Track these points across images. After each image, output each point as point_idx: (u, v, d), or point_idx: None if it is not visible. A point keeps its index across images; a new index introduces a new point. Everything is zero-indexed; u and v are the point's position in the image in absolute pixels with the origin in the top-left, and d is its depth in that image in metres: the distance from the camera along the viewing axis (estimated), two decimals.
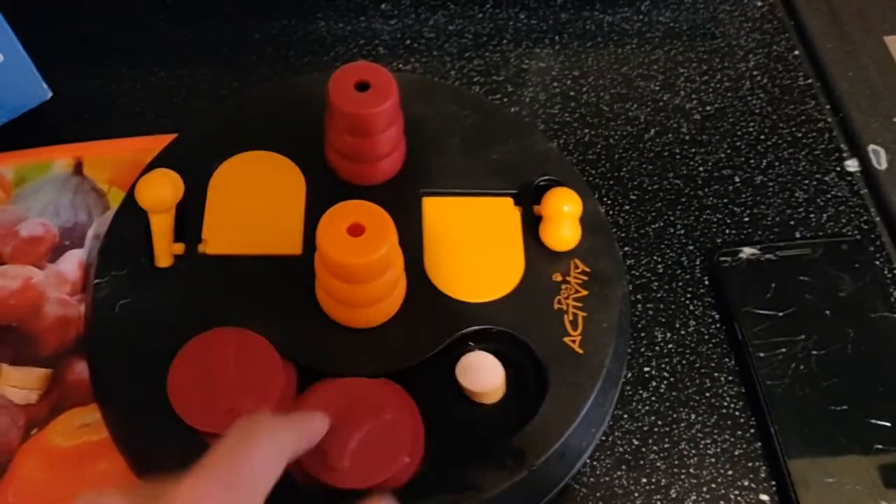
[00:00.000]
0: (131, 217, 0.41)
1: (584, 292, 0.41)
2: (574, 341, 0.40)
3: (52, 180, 0.46)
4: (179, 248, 0.41)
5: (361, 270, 0.36)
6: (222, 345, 0.38)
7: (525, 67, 0.52)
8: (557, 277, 0.41)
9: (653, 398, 0.42)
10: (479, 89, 0.51)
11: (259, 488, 0.29)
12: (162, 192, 0.40)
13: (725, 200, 0.48)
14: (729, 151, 0.50)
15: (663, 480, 0.40)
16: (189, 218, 0.42)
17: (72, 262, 0.44)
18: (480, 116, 0.46)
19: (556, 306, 0.41)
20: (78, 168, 0.46)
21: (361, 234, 0.36)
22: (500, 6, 0.55)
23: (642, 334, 0.44)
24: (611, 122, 0.51)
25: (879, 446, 0.41)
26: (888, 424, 0.41)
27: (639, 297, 0.45)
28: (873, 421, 0.41)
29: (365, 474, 0.35)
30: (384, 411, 0.36)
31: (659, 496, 0.40)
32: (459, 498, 0.36)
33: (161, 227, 0.41)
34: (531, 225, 0.43)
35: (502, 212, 0.43)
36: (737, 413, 0.42)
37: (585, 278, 0.41)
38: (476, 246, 0.42)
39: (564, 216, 0.41)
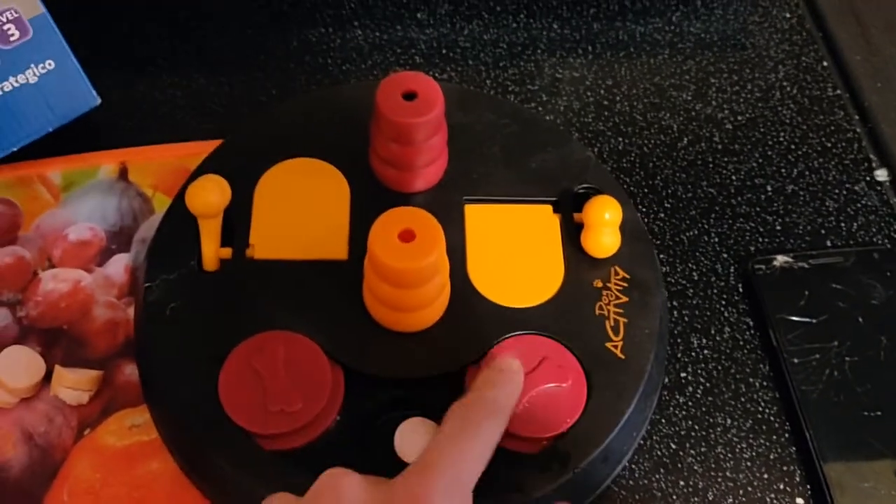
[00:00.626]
0: (179, 221, 0.42)
1: (625, 299, 0.42)
2: (616, 347, 0.40)
3: (98, 185, 0.47)
4: (227, 252, 0.42)
5: (412, 275, 0.37)
6: (272, 348, 0.39)
7: (559, 77, 0.53)
8: (598, 284, 0.42)
9: (689, 403, 0.43)
10: (514, 98, 0.52)
11: (477, 475, 0.31)
12: (211, 197, 0.41)
13: (758, 209, 0.49)
14: (760, 161, 0.51)
15: (700, 483, 0.41)
16: (236, 223, 0.43)
17: (119, 266, 0.44)
18: (519, 125, 0.47)
19: (597, 312, 0.41)
20: (123, 173, 0.47)
21: (413, 240, 0.37)
22: (533, 16, 0.55)
23: (678, 340, 0.45)
24: (644, 130, 0.51)
25: None
26: None
27: (675, 303, 0.46)
28: None
29: (531, 425, 0.38)
30: (567, 378, 0.39)
31: (696, 499, 0.41)
32: (504, 499, 0.37)
33: (210, 231, 0.41)
34: (570, 232, 0.43)
35: (542, 219, 0.44)
36: (771, 418, 0.43)
37: (626, 285, 0.42)
38: (517, 252, 0.43)
39: (605, 223, 0.42)
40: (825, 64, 0.55)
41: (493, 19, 0.55)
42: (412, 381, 0.39)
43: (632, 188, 0.49)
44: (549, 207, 0.44)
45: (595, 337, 0.41)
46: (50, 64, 0.44)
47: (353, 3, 0.55)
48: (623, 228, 0.43)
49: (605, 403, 0.39)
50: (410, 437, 0.39)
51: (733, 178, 0.50)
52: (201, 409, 0.38)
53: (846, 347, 0.44)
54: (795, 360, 0.44)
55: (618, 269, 0.43)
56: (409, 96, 0.41)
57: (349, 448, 0.38)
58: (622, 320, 0.41)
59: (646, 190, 0.49)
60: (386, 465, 0.38)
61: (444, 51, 0.54)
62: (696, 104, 0.53)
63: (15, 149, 0.45)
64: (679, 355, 0.44)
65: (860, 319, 0.45)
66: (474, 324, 0.41)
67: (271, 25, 0.54)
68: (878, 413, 0.42)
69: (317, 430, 0.38)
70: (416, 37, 0.54)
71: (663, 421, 0.42)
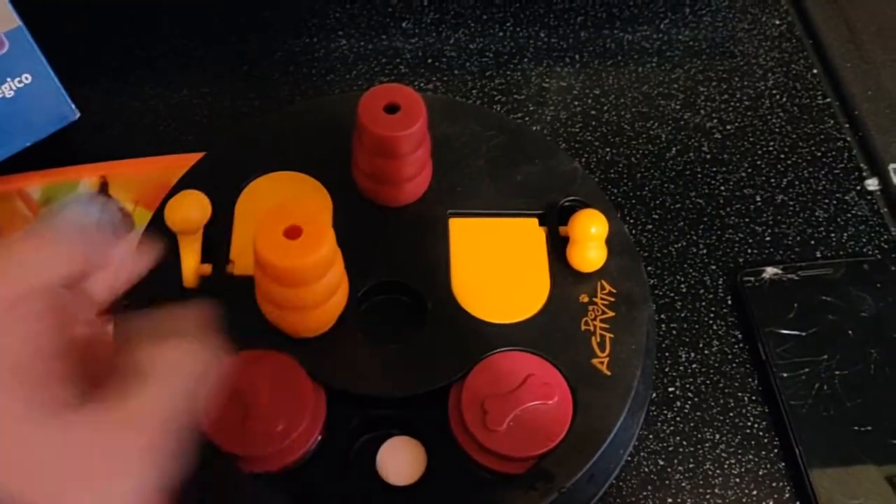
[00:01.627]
0: (158, 237, 0.42)
1: (612, 314, 0.41)
2: (602, 363, 0.40)
3: (78, 200, 0.46)
4: (207, 268, 0.41)
5: (298, 274, 0.36)
6: (252, 367, 0.38)
7: (546, 86, 0.53)
8: (584, 298, 0.42)
9: (677, 418, 0.43)
10: (501, 108, 0.51)
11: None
12: (191, 213, 0.40)
13: (747, 220, 0.49)
14: (750, 170, 0.50)
15: (689, 501, 0.40)
16: (216, 239, 0.42)
17: (98, 283, 0.44)
18: (505, 136, 0.46)
19: (583, 327, 0.41)
20: (104, 187, 0.46)
21: (299, 237, 0.35)
22: (520, 25, 0.55)
23: (666, 354, 0.44)
24: (632, 140, 0.51)
25: None
26: None
27: (662, 316, 0.45)
28: None
29: (516, 444, 0.37)
30: (553, 395, 0.38)
31: None
32: None
33: (189, 247, 0.41)
34: (556, 245, 0.43)
35: (528, 232, 0.43)
36: (760, 433, 0.42)
37: (612, 299, 0.42)
38: (502, 266, 0.42)
39: (591, 237, 0.41)
40: (815, 71, 0.55)
41: (479, 28, 0.55)
42: (395, 400, 0.39)
43: (619, 199, 0.49)
44: (535, 221, 0.44)
45: (581, 353, 0.40)
46: (27, 78, 0.43)
47: (337, 12, 0.54)
48: (609, 242, 0.42)
49: (592, 421, 0.38)
50: (393, 456, 0.38)
51: (722, 188, 0.50)
52: None
53: (836, 361, 0.43)
54: (785, 374, 0.43)
55: (604, 283, 0.42)
56: (392, 109, 0.40)
57: (331, 468, 0.38)
58: (608, 335, 0.41)
59: (633, 201, 0.49)
60: (368, 485, 0.38)
61: (429, 60, 0.53)
62: (685, 113, 0.52)
63: None
64: (667, 369, 0.44)
65: (850, 332, 0.44)
66: (458, 340, 0.40)
67: (255, 35, 0.54)
68: (869, 427, 0.42)
69: (298, 450, 0.37)
70: (402, 46, 0.54)
71: (651, 437, 0.42)
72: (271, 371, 0.38)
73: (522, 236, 0.43)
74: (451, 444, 0.38)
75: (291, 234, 0.35)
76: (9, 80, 0.43)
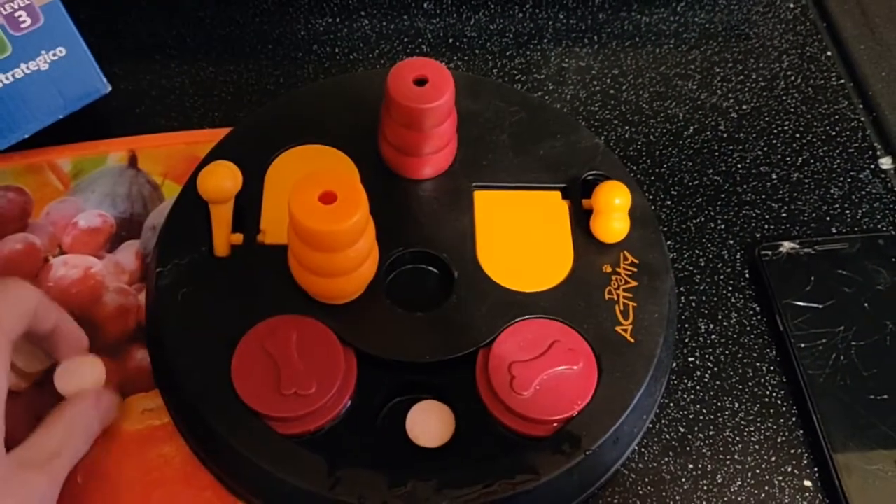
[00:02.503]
0: (190, 207, 0.42)
1: (634, 283, 0.42)
2: (626, 330, 0.41)
3: (107, 172, 0.47)
4: (238, 238, 0.42)
5: (332, 238, 0.36)
6: (284, 332, 0.39)
7: (565, 66, 0.53)
8: (607, 269, 0.42)
9: (697, 387, 0.43)
10: (521, 87, 0.52)
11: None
12: (223, 182, 0.41)
13: (763, 196, 0.49)
14: (766, 149, 0.51)
15: (709, 466, 0.41)
16: (247, 209, 0.43)
17: (129, 253, 0.45)
18: (527, 113, 0.47)
19: (606, 297, 0.42)
20: (133, 161, 0.47)
21: (334, 202, 0.36)
22: (539, 6, 0.56)
23: (686, 325, 0.45)
24: (650, 119, 0.52)
25: None
26: None
27: (682, 289, 0.46)
28: None
29: (542, 408, 0.38)
30: (578, 360, 0.39)
31: (705, 481, 0.41)
32: (517, 481, 0.37)
33: (221, 217, 0.42)
34: (579, 218, 0.44)
35: (551, 205, 0.44)
36: (779, 402, 0.43)
37: (635, 270, 0.42)
38: (527, 238, 0.43)
39: (615, 209, 0.42)
40: (829, 53, 0.56)
41: (499, 9, 0.55)
42: (424, 365, 0.40)
43: (639, 176, 0.50)
44: (558, 193, 0.45)
45: (605, 321, 0.41)
46: (61, 51, 0.44)
47: None
48: (632, 214, 0.43)
49: (616, 386, 0.39)
50: (422, 419, 0.39)
51: (739, 166, 0.50)
52: (214, 393, 0.38)
53: (852, 332, 0.44)
54: (802, 345, 0.44)
55: (626, 254, 0.43)
56: (420, 82, 0.41)
57: (362, 431, 0.38)
58: (631, 304, 0.41)
59: (652, 178, 0.50)
60: (398, 447, 0.38)
61: (450, 40, 0.54)
62: (702, 93, 0.53)
63: (26, 136, 0.45)
64: (687, 340, 0.45)
65: (866, 305, 0.45)
66: (485, 308, 0.41)
67: (279, 14, 0.55)
68: (885, 396, 0.43)
69: (329, 413, 0.38)
70: (423, 26, 0.54)
71: (672, 405, 0.43)
72: (303, 336, 0.39)
73: (546, 208, 0.44)
74: (478, 407, 0.39)
75: (326, 200, 0.36)
76: (44, 52, 0.44)
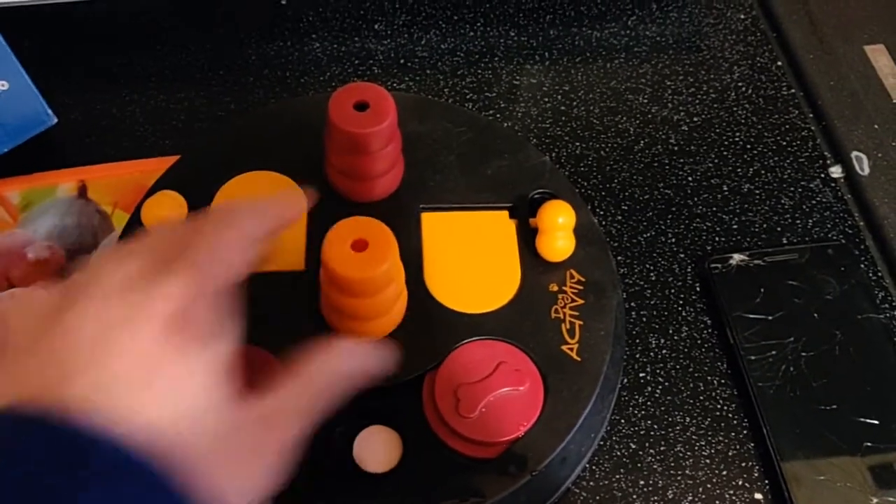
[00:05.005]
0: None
1: (580, 301, 0.42)
2: (572, 349, 0.41)
3: (57, 204, 0.47)
4: None
5: (366, 284, 0.37)
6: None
7: (517, 83, 0.54)
8: (554, 287, 0.43)
9: (648, 403, 0.44)
10: (472, 106, 0.53)
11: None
12: (166, 213, 0.41)
13: (714, 209, 0.50)
14: (716, 161, 0.52)
15: (660, 482, 0.41)
16: None
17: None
18: (475, 133, 0.47)
19: (552, 315, 0.42)
20: (82, 191, 0.47)
21: (366, 249, 0.37)
22: (490, 24, 0.56)
23: (637, 341, 0.45)
24: (601, 134, 0.52)
25: (869, 444, 0.42)
26: (877, 422, 0.42)
27: (632, 304, 0.46)
28: (862, 419, 0.42)
29: (488, 429, 0.38)
30: (524, 381, 0.39)
31: (656, 497, 0.41)
32: (463, 503, 0.37)
33: None
34: (526, 237, 0.44)
35: (498, 225, 0.44)
36: (730, 415, 0.43)
37: (581, 288, 0.43)
38: (474, 259, 0.43)
39: (559, 227, 0.42)
40: (779, 63, 0.56)
41: (450, 28, 0.56)
42: (370, 390, 0.39)
43: (589, 192, 0.50)
44: (506, 213, 0.45)
45: (551, 340, 0.41)
46: (3, 84, 0.44)
47: (310, 15, 0.56)
48: (578, 232, 0.43)
49: (562, 405, 0.39)
50: (369, 444, 0.39)
51: (689, 178, 0.51)
52: None
53: (802, 343, 0.45)
54: (752, 357, 0.44)
55: (573, 272, 0.43)
56: (361, 106, 0.41)
57: (309, 458, 0.38)
58: (578, 323, 0.42)
59: (603, 193, 0.50)
60: (345, 473, 0.38)
61: (402, 61, 0.54)
62: (653, 107, 0.53)
63: None
64: (637, 356, 0.45)
65: (815, 315, 0.46)
66: (432, 331, 0.41)
67: (229, 40, 0.55)
68: (834, 407, 0.43)
69: None
70: (374, 48, 0.55)
71: (623, 421, 0.43)
72: (248, 365, 0.39)
73: (493, 228, 0.44)
74: (425, 431, 0.39)
75: (358, 247, 0.37)
76: None
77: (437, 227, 0.44)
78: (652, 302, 0.46)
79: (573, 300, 0.42)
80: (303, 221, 0.43)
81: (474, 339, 0.41)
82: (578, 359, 0.41)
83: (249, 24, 0.55)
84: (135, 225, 0.42)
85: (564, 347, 0.41)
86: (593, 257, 0.44)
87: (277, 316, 0.41)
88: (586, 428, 0.40)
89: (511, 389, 0.39)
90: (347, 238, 0.37)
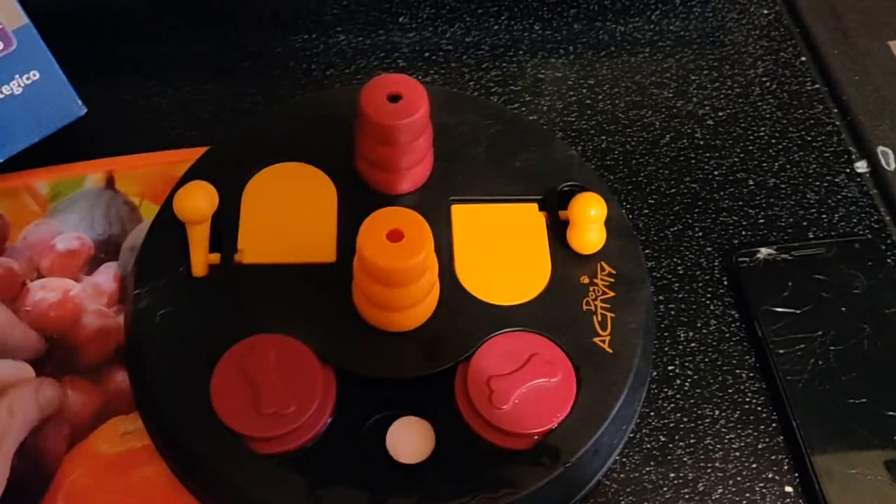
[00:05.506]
0: (167, 228, 0.42)
1: (611, 294, 0.42)
2: (604, 341, 0.41)
3: (85, 194, 0.47)
4: (215, 258, 0.42)
5: (401, 274, 0.38)
6: (263, 351, 0.39)
7: (541, 77, 0.54)
8: (584, 280, 0.43)
9: (678, 396, 0.44)
10: (497, 99, 0.52)
11: None
12: (199, 203, 0.41)
13: (740, 203, 0.50)
14: (742, 155, 0.52)
15: (690, 475, 0.41)
16: (224, 228, 0.43)
17: (107, 275, 0.45)
18: (503, 126, 0.47)
19: (584, 308, 0.42)
20: (110, 182, 0.47)
21: (401, 240, 0.37)
22: (515, 18, 0.56)
23: (665, 334, 0.45)
24: (627, 128, 0.52)
25: None
26: None
27: (661, 297, 0.46)
28: (891, 413, 0.43)
29: (522, 421, 0.38)
30: (556, 373, 0.39)
31: (687, 490, 0.41)
32: (498, 495, 0.37)
33: (198, 237, 0.42)
34: (556, 229, 0.44)
35: (528, 217, 0.44)
36: (759, 408, 0.43)
37: (612, 280, 0.43)
38: (504, 251, 0.43)
39: (591, 220, 0.42)
40: (803, 59, 0.56)
41: (474, 21, 0.56)
42: (403, 381, 0.40)
43: (616, 185, 0.50)
44: (535, 206, 0.45)
45: (583, 332, 0.41)
46: (35, 74, 0.44)
47: (335, 8, 0.55)
48: (608, 224, 0.43)
49: (595, 398, 0.39)
50: (402, 436, 0.39)
51: (715, 173, 0.51)
52: (193, 414, 0.38)
53: (830, 337, 0.45)
54: (781, 351, 0.44)
55: (604, 264, 0.43)
56: (394, 98, 0.41)
57: (342, 449, 0.38)
58: (609, 315, 0.42)
59: (630, 187, 0.50)
60: (378, 464, 0.38)
61: (426, 54, 0.54)
62: (677, 101, 0.53)
63: (1, 160, 0.45)
64: (666, 349, 0.45)
65: (843, 309, 0.46)
66: (463, 322, 0.41)
67: (255, 32, 0.55)
68: (863, 400, 0.43)
69: (309, 431, 0.38)
70: (399, 41, 0.55)
71: (652, 414, 0.43)
72: (281, 355, 0.39)
73: (523, 221, 0.44)
74: (458, 422, 0.39)
75: (394, 238, 0.37)
76: (17, 76, 0.44)
77: (468, 219, 0.44)
78: (680, 296, 0.46)
79: (604, 293, 0.42)
80: (334, 212, 0.43)
81: (506, 330, 0.41)
82: (610, 351, 0.41)
83: (275, 17, 0.55)
84: (166, 214, 0.42)
85: (596, 339, 0.41)
86: (624, 250, 0.44)
87: (309, 307, 0.41)
88: (618, 420, 0.40)
89: (543, 381, 0.39)
90: (383, 228, 0.37)
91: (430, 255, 0.38)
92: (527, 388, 0.39)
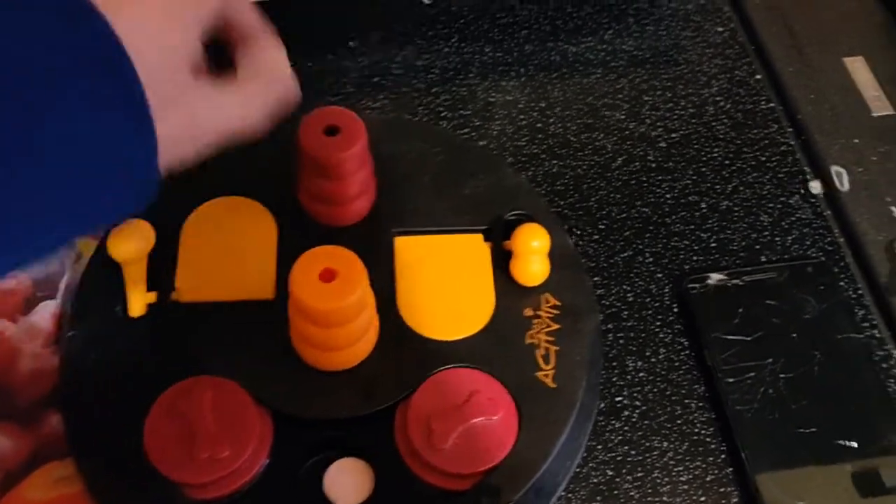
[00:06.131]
0: (103, 267, 0.42)
1: (556, 326, 0.42)
2: (547, 376, 0.40)
3: None
4: (152, 296, 0.41)
5: (335, 315, 0.37)
6: (198, 393, 0.38)
7: (492, 101, 0.53)
8: (529, 312, 0.42)
9: (625, 428, 0.43)
10: (447, 124, 0.52)
11: None
12: (133, 243, 0.40)
13: (692, 226, 0.49)
14: (695, 178, 0.51)
15: None
16: (162, 266, 0.42)
17: (45, 314, 0.44)
18: (450, 153, 0.47)
19: (527, 341, 0.41)
20: None
21: (334, 279, 0.36)
22: (466, 40, 0.55)
23: (614, 364, 0.45)
24: (578, 152, 0.51)
25: (848, 467, 0.41)
26: (856, 445, 0.42)
27: (609, 326, 0.46)
28: (842, 442, 0.42)
29: (461, 460, 0.37)
30: (497, 410, 0.39)
31: None
32: None
33: (134, 276, 0.41)
34: (502, 260, 0.43)
35: (473, 248, 0.44)
36: (708, 439, 0.43)
37: (557, 312, 0.42)
38: (448, 284, 0.43)
39: (533, 251, 0.42)
40: (758, 77, 0.56)
41: (425, 45, 0.55)
42: (341, 422, 0.39)
43: (566, 211, 0.49)
44: (481, 236, 0.44)
45: (525, 367, 0.40)
46: None
47: (282, 33, 0.55)
48: (553, 254, 0.43)
49: (537, 434, 0.39)
50: (340, 478, 0.38)
51: (667, 196, 0.50)
52: (126, 460, 0.37)
53: (780, 364, 0.44)
54: (730, 380, 0.44)
55: (548, 296, 0.42)
56: (332, 131, 0.41)
57: (279, 492, 0.38)
58: (553, 348, 0.41)
59: (580, 212, 0.49)
60: None
61: (376, 78, 0.53)
62: (630, 123, 0.53)
63: None
64: (615, 379, 0.44)
65: (794, 335, 0.45)
66: (404, 360, 0.40)
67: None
68: (813, 430, 0.42)
69: (245, 476, 0.37)
70: (349, 65, 0.54)
71: (599, 447, 0.42)
72: (217, 397, 0.38)
73: (468, 252, 0.44)
74: (397, 463, 0.38)
75: (326, 277, 0.36)
76: None
77: (411, 251, 0.43)
78: (629, 324, 0.46)
79: (548, 325, 0.42)
80: (273, 248, 0.43)
81: (448, 367, 0.40)
82: (553, 385, 0.40)
83: (215, 41, 0.54)
84: (101, 254, 0.42)
85: (539, 374, 0.40)
86: (569, 281, 0.43)
87: (246, 347, 0.40)
88: (562, 456, 0.39)
89: (485, 419, 0.39)
90: (315, 268, 0.37)
91: (364, 293, 0.37)
92: (467, 427, 0.38)
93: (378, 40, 0.55)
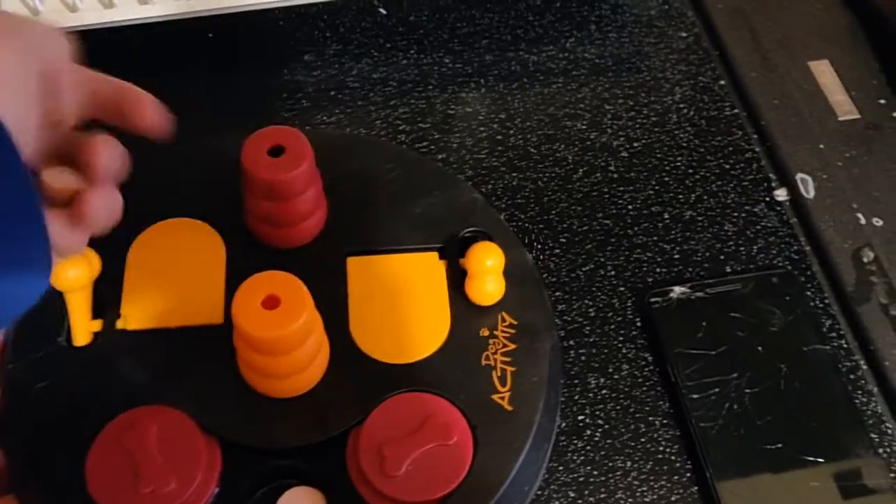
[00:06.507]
0: (46, 295, 0.40)
1: (513, 346, 0.41)
2: (503, 398, 0.39)
3: None
4: (97, 325, 0.40)
5: (279, 343, 0.36)
6: (143, 425, 0.37)
7: (451, 113, 0.52)
8: (485, 332, 0.41)
9: (588, 447, 0.42)
10: (405, 138, 0.51)
11: None
12: (73, 272, 0.39)
13: (655, 238, 0.48)
14: (658, 188, 0.50)
15: None
16: (107, 293, 0.41)
17: None
18: (404, 170, 0.46)
19: (483, 362, 0.40)
20: None
21: (277, 307, 0.35)
22: (424, 52, 0.54)
23: (575, 381, 0.44)
24: (539, 164, 0.50)
25: (815, 484, 0.40)
26: (822, 461, 0.41)
27: (571, 342, 0.45)
28: (808, 458, 0.41)
29: (415, 488, 0.36)
30: (452, 435, 0.37)
31: None
32: None
33: (77, 304, 0.40)
34: (457, 279, 0.42)
35: (427, 267, 0.43)
36: (673, 457, 0.42)
37: (513, 331, 0.41)
38: (401, 305, 0.42)
39: (488, 270, 0.41)
40: (722, 83, 0.55)
41: (382, 57, 0.54)
42: (292, 450, 0.38)
43: (526, 225, 0.48)
44: (435, 255, 0.43)
45: (481, 389, 0.39)
46: None
47: (236, 47, 0.53)
48: (510, 272, 0.42)
49: (493, 459, 0.38)
50: None
51: (629, 207, 0.49)
52: (68, 496, 0.36)
53: (745, 378, 0.43)
54: (694, 396, 0.43)
55: (505, 315, 0.41)
56: (276, 151, 0.40)
57: None
58: (509, 369, 0.40)
59: (540, 226, 0.48)
60: None
61: (332, 92, 0.52)
62: (591, 133, 0.52)
63: None
64: (576, 397, 0.43)
65: (759, 348, 0.44)
66: (356, 385, 0.39)
67: (151, 73, 0.52)
68: (779, 445, 0.41)
69: None
70: (304, 80, 0.53)
71: (561, 468, 0.41)
72: (163, 428, 0.37)
73: (422, 271, 0.43)
74: (350, 491, 0.37)
75: (269, 304, 0.35)
76: None
77: (364, 272, 0.42)
78: (591, 339, 0.45)
79: (505, 345, 0.41)
80: (221, 271, 0.42)
81: (401, 391, 0.39)
82: (510, 408, 0.39)
83: (173, 57, 0.53)
84: None
85: (495, 396, 0.39)
86: (526, 299, 0.42)
87: (194, 375, 0.39)
88: (519, 481, 0.38)
89: (439, 444, 0.38)
90: (258, 295, 0.36)
91: (309, 319, 0.36)
92: (421, 453, 0.37)
93: (334, 52, 0.54)
